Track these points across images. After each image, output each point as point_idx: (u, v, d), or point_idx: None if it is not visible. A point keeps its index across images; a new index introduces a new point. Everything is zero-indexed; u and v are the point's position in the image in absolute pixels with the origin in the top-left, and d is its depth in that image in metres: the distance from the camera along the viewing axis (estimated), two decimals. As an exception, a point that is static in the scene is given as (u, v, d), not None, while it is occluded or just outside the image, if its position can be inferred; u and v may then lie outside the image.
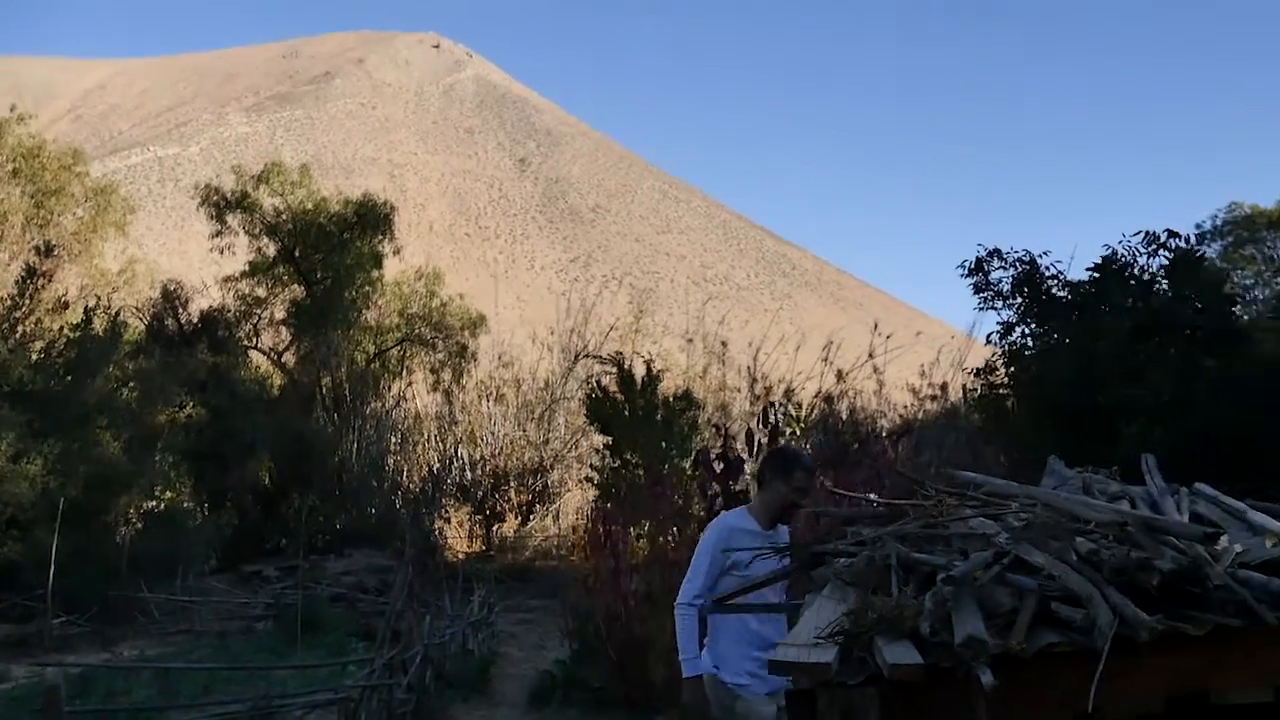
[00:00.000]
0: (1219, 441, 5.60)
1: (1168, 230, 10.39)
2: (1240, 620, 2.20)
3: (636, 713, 6.93)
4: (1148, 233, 10.60)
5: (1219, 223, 23.01)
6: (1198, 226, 23.68)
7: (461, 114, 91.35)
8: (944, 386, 14.80)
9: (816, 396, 14.99)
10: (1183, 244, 10.42)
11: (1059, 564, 2.35)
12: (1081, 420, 6.44)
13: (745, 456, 8.04)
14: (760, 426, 8.84)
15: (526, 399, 18.96)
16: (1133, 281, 7.22)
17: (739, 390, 16.65)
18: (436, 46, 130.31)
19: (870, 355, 16.50)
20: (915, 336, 17.17)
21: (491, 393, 19.23)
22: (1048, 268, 10.76)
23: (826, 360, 15.67)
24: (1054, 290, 10.16)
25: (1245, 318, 6.50)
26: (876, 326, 16.47)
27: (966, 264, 11.25)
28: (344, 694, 6.28)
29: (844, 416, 15.59)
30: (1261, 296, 19.53)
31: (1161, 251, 10.22)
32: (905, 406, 17.26)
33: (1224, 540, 2.50)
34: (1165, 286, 7.50)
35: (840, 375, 15.60)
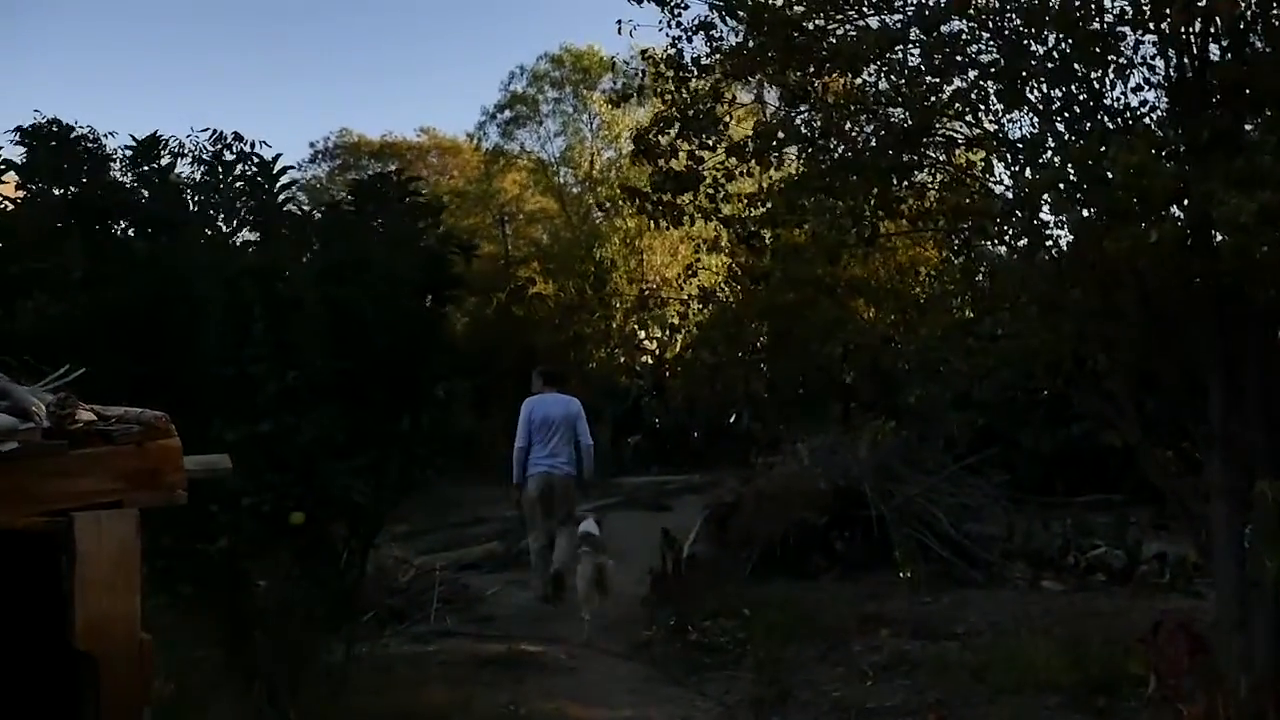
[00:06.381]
0: (131, 316, 5.72)
1: (235, 133, 10.86)
2: None
3: None
4: (217, 131, 10.94)
5: (331, 145, 24.82)
6: (311, 145, 25.25)
7: None
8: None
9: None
10: (247, 149, 10.90)
11: None
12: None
13: None
14: None
15: None
16: (85, 161, 7.09)
17: None
18: None
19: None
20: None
21: None
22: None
23: None
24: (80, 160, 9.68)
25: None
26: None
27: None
28: None
29: None
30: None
31: (226, 151, 10.54)
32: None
33: None
34: (123, 171, 7.60)
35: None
